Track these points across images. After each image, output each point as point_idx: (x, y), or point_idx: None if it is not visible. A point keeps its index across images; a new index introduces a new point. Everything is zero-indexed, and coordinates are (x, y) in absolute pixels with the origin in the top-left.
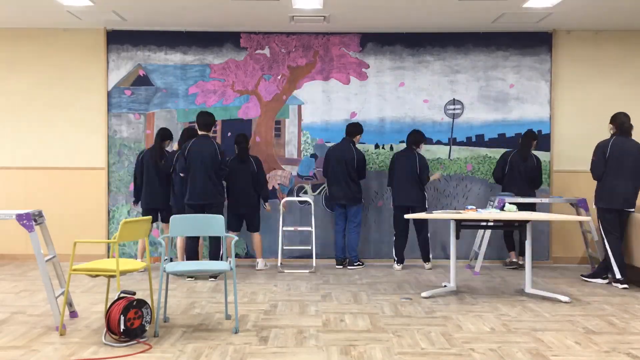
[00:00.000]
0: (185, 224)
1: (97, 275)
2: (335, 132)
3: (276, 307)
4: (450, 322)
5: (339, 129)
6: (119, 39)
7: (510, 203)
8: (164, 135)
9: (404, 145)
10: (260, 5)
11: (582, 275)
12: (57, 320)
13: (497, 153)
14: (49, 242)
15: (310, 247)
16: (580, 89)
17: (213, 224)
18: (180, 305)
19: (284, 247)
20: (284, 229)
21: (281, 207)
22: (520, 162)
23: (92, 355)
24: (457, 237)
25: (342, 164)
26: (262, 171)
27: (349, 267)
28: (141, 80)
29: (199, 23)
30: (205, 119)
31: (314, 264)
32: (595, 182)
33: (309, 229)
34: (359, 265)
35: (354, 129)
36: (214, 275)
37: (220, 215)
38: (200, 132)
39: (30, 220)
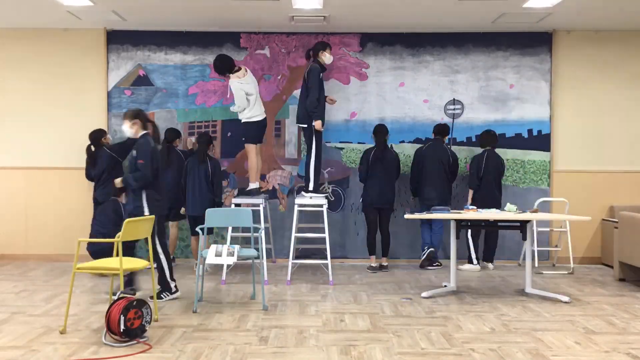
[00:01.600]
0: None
1: (101, 274)
2: (336, 132)
3: (276, 307)
4: (450, 322)
5: (339, 129)
6: (119, 39)
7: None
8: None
9: (404, 145)
10: (260, 5)
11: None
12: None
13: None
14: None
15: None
16: (580, 89)
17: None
18: (181, 305)
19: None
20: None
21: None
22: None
23: (92, 355)
24: (457, 237)
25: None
26: (219, 175)
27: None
28: (141, 80)
29: (199, 23)
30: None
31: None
32: None
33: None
34: (437, 265)
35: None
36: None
37: (248, 209)
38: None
39: None
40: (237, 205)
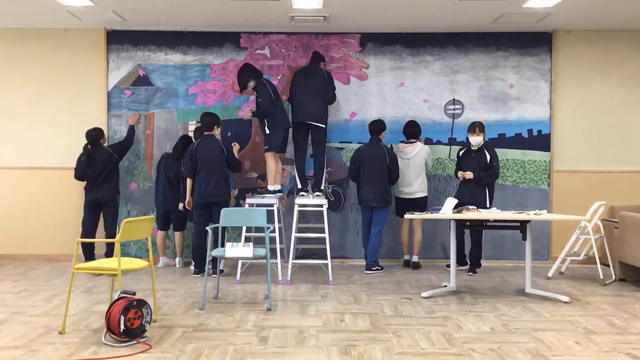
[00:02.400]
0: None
1: (99, 274)
2: (336, 132)
3: (276, 307)
4: (450, 322)
5: (339, 129)
6: (119, 39)
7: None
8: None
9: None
10: (260, 5)
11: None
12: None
13: (497, 153)
14: None
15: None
16: (580, 89)
17: (256, 216)
18: (181, 305)
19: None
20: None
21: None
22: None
23: (92, 355)
24: (457, 237)
25: (374, 164)
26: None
27: (366, 272)
28: (141, 80)
29: (199, 23)
30: (207, 119)
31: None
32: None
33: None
34: (377, 269)
35: (378, 126)
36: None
37: (262, 208)
38: (205, 132)
39: None
40: (251, 205)
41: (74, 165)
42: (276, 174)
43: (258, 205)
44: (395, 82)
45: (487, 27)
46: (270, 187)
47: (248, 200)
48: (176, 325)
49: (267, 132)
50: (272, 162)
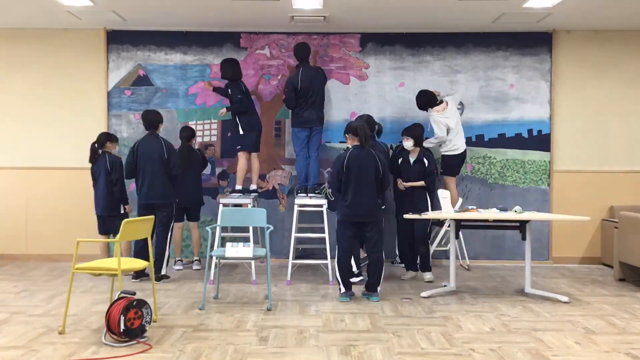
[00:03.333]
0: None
1: (99, 274)
2: (336, 132)
3: (276, 307)
4: (450, 322)
5: (339, 129)
6: (119, 39)
7: None
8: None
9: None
10: (260, 5)
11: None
12: None
13: (497, 153)
14: None
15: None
16: (580, 89)
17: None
18: (181, 305)
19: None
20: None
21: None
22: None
23: (92, 355)
24: (457, 237)
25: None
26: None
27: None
28: (141, 80)
29: (199, 23)
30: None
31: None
32: None
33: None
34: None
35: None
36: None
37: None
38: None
39: None
40: (226, 205)
41: (73, 165)
42: (252, 172)
43: (234, 205)
44: (395, 82)
45: (487, 27)
46: (238, 187)
47: (222, 200)
48: (176, 325)
49: (241, 132)
50: (242, 161)
